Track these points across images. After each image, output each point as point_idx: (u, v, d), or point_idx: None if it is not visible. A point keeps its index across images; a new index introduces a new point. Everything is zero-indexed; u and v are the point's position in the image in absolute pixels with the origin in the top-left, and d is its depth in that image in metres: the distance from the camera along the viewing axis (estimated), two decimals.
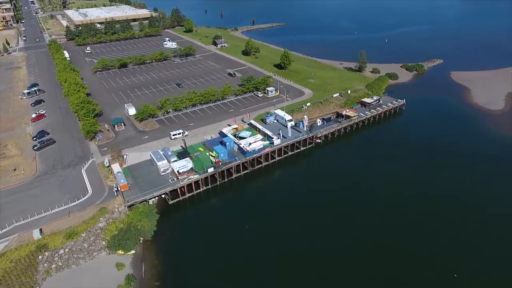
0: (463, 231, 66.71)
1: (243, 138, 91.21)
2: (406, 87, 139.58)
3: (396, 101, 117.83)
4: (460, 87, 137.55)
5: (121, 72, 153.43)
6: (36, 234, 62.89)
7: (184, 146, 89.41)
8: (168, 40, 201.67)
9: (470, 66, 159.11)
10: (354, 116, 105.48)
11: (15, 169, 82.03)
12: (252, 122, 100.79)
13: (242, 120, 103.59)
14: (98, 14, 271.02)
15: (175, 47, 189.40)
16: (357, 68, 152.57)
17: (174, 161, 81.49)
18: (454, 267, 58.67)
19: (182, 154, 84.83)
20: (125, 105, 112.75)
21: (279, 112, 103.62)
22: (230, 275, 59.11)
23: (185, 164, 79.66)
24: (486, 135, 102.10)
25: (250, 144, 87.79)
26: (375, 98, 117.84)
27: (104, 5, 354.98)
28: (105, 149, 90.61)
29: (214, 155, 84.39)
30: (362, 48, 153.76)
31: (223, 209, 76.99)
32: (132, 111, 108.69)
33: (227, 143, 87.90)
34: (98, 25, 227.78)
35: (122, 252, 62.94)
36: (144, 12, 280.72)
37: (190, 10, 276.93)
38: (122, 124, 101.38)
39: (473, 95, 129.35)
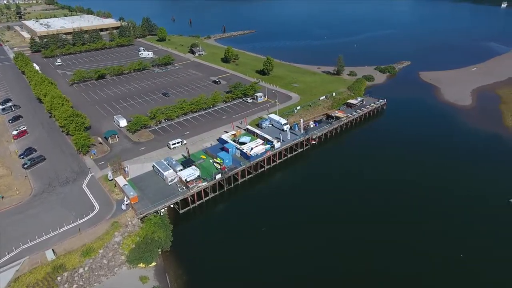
0: (457, 219, 72.90)
1: (244, 143, 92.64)
2: (382, 88, 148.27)
3: (378, 101, 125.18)
4: (430, 86, 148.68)
5: (100, 84, 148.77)
6: (49, 255, 59.99)
7: (186, 155, 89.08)
8: (143, 49, 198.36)
9: (435, 66, 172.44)
10: (343, 117, 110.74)
11: (2, 197, 76.04)
12: (249, 127, 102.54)
13: (238, 127, 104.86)
14: (62, 24, 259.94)
15: (152, 56, 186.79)
16: (335, 72, 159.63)
17: (180, 170, 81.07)
18: (441, 258, 64.02)
19: (186, 163, 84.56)
20: (115, 117, 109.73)
21: (274, 116, 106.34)
22: (256, 278, 60.10)
23: (192, 172, 79.56)
24: (460, 129, 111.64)
25: (252, 148, 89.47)
26: (359, 99, 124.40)
27: (65, 15, 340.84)
28: (102, 162, 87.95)
29: (219, 161, 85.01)
30: (334, 53, 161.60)
31: (234, 214, 77.73)
32: (123, 122, 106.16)
33: (229, 149, 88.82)
34: (64, 36, 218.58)
35: (144, 265, 61.82)
36: (111, 22, 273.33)
37: (156, 19, 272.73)
38: (116, 136, 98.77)
39: (443, 93, 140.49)
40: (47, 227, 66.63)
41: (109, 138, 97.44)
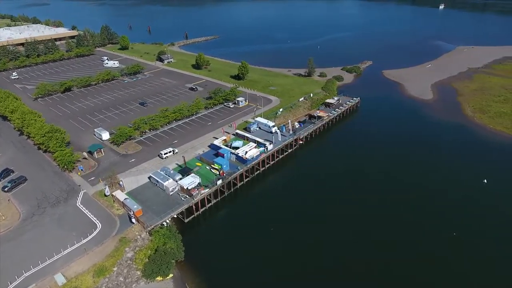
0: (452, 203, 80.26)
1: (237, 147, 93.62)
2: (352, 87, 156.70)
3: (352, 99, 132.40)
4: (394, 83, 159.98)
5: (67, 97, 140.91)
6: (59, 279, 56.67)
7: (182, 163, 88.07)
8: (107, 59, 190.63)
9: (394, 64, 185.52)
10: (325, 116, 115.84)
11: None
12: (238, 131, 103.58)
13: (227, 132, 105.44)
14: (8, 35, 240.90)
15: (118, 66, 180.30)
16: (306, 74, 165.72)
17: (179, 179, 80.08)
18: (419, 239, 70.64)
19: (184, 171, 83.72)
20: (95, 130, 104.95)
21: (261, 119, 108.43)
22: (272, 275, 61.56)
23: (193, 180, 78.99)
24: (429, 121, 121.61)
25: (246, 152, 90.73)
26: (336, 98, 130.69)
27: (8, 26, 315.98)
28: (93, 178, 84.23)
29: (217, 167, 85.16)
30: (300, 56, 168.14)
31: (239, 217, 78.33)
32: (106, 135, 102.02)
33: (224, 154, 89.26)
34: (14, 47, 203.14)
35: (161, 278, 60.53)
36: (65, 31, 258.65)
37: (111, 27, 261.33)
38: (102, 150, 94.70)
39: (407, 89, 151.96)
40: (49, 250, 62.71)
41: (95, 152, 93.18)
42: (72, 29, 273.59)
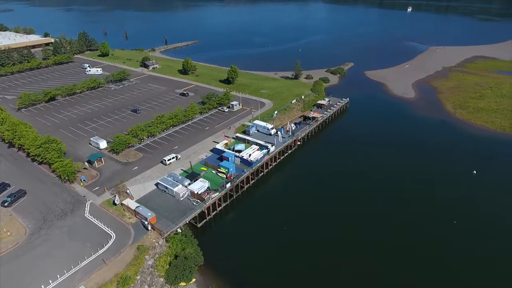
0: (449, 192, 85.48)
1: (240, 151, 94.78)
2: (338, 88, 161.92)
3: (341, 100, 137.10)
4: (378, 83, 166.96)
5: (53, 106, 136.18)
6: None
7: (184, 169, 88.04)
8: (89, 66, 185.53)
9: (375, 65, 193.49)
10: (319, 117, 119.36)
11: None
12: (238, 135, 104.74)
13: (227, 136, 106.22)
14: None
15: (101, 73, 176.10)
16: (293, 76, 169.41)
17: (188, 184, 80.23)
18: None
19: (191, 176, 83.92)
20: (91, 139, 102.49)
21: (259, 122, 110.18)
22: (291, 273, 63.38)
23: (202, 184, 79.47)
24: (415, 118, 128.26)
25: (250, 155, 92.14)
26: (327, 99, 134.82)
27: None
28: (97, 188, 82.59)
29: (223, 171, 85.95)
30: (283, 59, 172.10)
31: (250, 219, 79.35)
32: (103, 144, 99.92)
33: (229, 158, 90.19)
34: None
35: (185, 283, 60.71)
36: (38, 38, 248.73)
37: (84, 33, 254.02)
38: (102, 159, 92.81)
39: (390, 88, 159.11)
40: (65, 263, 61.20)
41: (95, 162, 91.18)
42: (45, 36, 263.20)
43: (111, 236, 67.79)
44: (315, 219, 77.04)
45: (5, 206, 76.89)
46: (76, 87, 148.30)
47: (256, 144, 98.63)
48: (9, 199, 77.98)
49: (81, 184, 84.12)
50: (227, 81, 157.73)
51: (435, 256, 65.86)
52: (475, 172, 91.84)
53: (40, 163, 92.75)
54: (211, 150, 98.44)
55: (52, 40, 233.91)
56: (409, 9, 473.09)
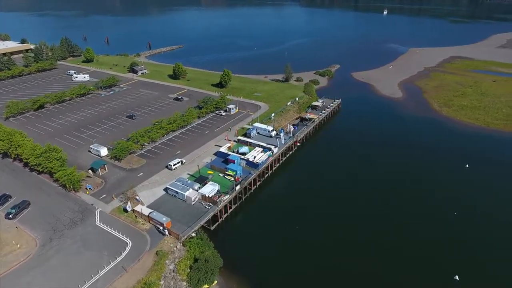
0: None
1: (244, 153, 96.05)
2: (328, 89, 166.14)
3: (334, 101, 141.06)
4: (365, 84, 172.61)
5: (43, 114, 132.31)
6: None
7: (190, 173, 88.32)
8: (74, 72, 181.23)
9: (360, 67, 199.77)
10: (316, 118, 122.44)
11: None
12: (240, 138, 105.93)
13: (228, 139, 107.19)
14: None
15: (88, 79, 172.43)
16: (284, 79, 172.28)
17: (199, 188, 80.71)
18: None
19: (200, 180, 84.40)
20: (91, 146, 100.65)
21: (259, 124, 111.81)
22: (311, 271, 65.34)
23: (213, 187, 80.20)
24: (405, 117, 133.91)
25: (255, 157, 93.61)
26: (320, 101, 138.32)
27: None
28: (104, 196, 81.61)
29: (231, 174, 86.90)
30: (272, 61, 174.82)
31: (262, 219, 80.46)
32: (104, 151, 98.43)
33: (235, 160, 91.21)
34: None
35: (207, 286, 61.27)
36: (16, 45, 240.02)
37: (61, 38, 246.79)
38: (105, 167, 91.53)
39: (378, 89, 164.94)
40: (84, 273, 60.39)
41: (98, 169, 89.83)
42: (23, 43, 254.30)
43: (127, 243, 67.32)
44: (323, 218, 79.16)
45: (9, 218, 74.65)
46: (65, 94, 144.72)
47: (259, 146, 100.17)
48: (13, 210, 75.68)
49: (87, 192, 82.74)
50: (219, 85, 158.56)
51: (434, 255, 69.57)
52: (467, 165, 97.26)
53: (40, 172, 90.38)
54: (215, 154, 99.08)
55: (32, 47, 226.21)
56: (385, 12, 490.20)
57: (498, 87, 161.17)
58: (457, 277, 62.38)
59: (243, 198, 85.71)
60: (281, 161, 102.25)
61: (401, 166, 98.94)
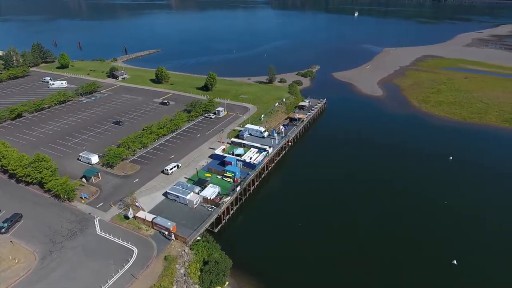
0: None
1: (240, 155, 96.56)
2: (311, 89, 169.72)
3: (320, 101, 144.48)
4: (346, 84, 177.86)
5: (21, 124, 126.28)
6: None
7: (188, 177, 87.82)
8: (50, 79, 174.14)
9: (340, 67, 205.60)
10: (305, 118, 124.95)
11: None
12: (233, 139, 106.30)
13: (222, 141, 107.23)
14: None
15: (66, 86, 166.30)
16: (268, 81, 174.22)
17: (199, 191, 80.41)
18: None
19: (200, 183, 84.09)
20: (81, 154, 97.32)
21: (251, 126, 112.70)
22: (315, 267, 67.03)
23: (214, 190, 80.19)
24: (387, 114, 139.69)
25: (251, 158, 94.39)
26: (307, 101, 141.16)
27: None
28: (101, 204, 79.42)
29: (230, 175, 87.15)
30: (252, 64, 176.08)
31: (263, 219, 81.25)
32: (95, 159, 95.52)
33: (232, 162, 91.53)
34: None
35: (220, 287, 61.27)
36: None
37: (29, 44, 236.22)
38: (98, 174, 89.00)
39: (359, 88, 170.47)
40: (91, 283, 58.76)
41: (92, 177, 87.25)
42: None
43: (134, 250, 66.00)
44: (322, 214, 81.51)
45: (2, 233, 70.98)
46: (44, 102, 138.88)
47: (254, 147, 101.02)
48: (5, 224, 72.04)
49: (83, 201, 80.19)
50: (205, 88, 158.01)
51: (431, 242, 73.50)
52: (451, 158, 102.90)
53: (28, 183, 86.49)
54: (210, 156, 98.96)
55: (0, 53, 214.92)
56: (356, 14, 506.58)
57: (470, 83, 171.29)
58: (455, 262, 66.06)
59: (243, 199, 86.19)
60: (275, 161, 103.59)
61: (390, 160, 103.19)
